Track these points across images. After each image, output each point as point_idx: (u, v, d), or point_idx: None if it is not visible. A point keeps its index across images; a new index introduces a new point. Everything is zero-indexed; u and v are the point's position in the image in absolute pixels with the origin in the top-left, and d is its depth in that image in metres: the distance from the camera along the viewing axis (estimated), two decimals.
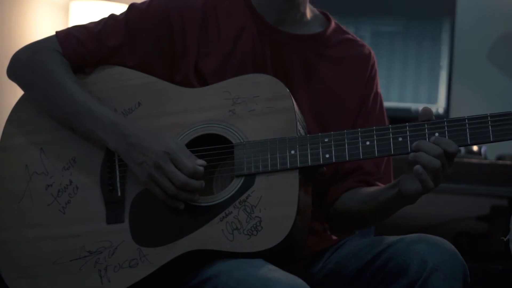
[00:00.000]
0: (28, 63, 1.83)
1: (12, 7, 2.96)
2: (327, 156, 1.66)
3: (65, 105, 1.78)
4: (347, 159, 1.66)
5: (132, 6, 1.85)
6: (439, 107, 2.98)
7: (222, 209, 1.66)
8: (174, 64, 1.82)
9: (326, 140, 1.67)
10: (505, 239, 1.78)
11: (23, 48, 1.87)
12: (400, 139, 1.63)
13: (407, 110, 2.97)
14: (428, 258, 1.60)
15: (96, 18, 1.87)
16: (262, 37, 1.84)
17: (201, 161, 1.68)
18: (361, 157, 1.65)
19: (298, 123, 1.69)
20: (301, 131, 1.71)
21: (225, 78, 1.77)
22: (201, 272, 1.64)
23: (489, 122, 1.60)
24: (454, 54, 3.00)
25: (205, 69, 1.81)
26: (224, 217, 1.65)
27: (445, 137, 1.61)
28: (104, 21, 1.85)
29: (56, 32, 1.85)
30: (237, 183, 1.67)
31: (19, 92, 1.87)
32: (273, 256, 1.61)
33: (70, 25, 2.68)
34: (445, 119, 1.62)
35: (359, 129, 1.66)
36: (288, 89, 1.72)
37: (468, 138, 1.61)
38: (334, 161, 1.66)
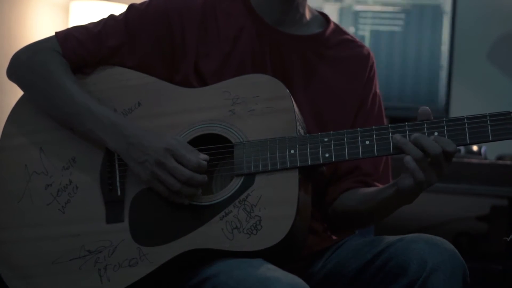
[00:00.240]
0: (28, 64, 1.83)
1: (12, 7, 2.96)
2: (327, 155, 1.66)
3: (64, 105, 1.78)
4: (347, 158, 1.66)
5: (131, 7, 1.86)
6: (439, 107, 2.98)
7: (222, 208, 1.66)
8: (173, 64, 1.82)
9: (325, 139, 1.67)
10: (508, 239, 1.78)
11: (23, 48, 1.87)
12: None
13: (407, 110, 2.97)
14: (428, 258, 1.60)
15: (96, 18, 1.88)
16: (261, 37, 1.84)
17: (204, 156, 1.68)
18: (361, 156, 1.65)
19: (297, 123, 1.69)
20: (301, 131, 1.71)
21: (225, 78, 1.77)
22: (201, 271, 1.65)
23: (488, 121, 1.60)
24: (454, 54, 3.00)
25: (204, 69, 1.81)
26: (224, 216, 1.65)
27: (444, 136, 1.61)
28: (103, 22, 1.85)
29: (56, 32, 1.85)
30: (237, 183, 1.68)
31: (19, 92, 1.87)
32: (272, 255, 1.61)
33: (70, 25, 2.68)
34: (444, 119, 1.62)
35: (358, 129, 1.67)
36: (288, 89, 1.72)
37: (467, 138, 1.61)
38: (333, 160, 1.66)
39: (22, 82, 1.85)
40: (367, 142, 1.65)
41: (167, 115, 1.76)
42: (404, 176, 1.63)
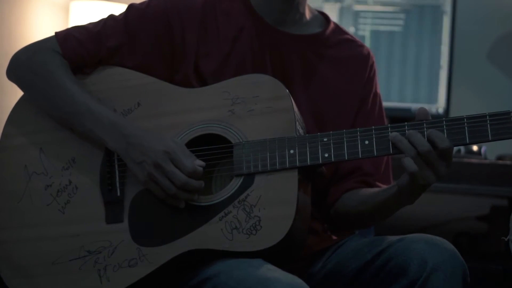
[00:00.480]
0: (28, 64, 1.83)
1: (12, 7, 2.96)
2: (326, 155, 1.66)
3: (64, 105, 1.78)
4: (346, 158, 1.66)
5: (131, 7, 1.86)
6: (439, 107, 2.98)
7: (221, 208, 1.66)
8: (173, 64, 1.82)
9: (325, 139, 1.67)
10: (506, 239, 1.78)
11: (22, 48, 1.87)
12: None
13: (407, 110, 2.97)
14: (428, 258, 1.60)
15: (96, 18, 1.88)
16: (261, 37, 1.84)
17: (200, 162, 1.68)
18: (360, 156, 1.65)
19: (297, 123, 1.69)
20: (300, 131, 1.71)
21: (224, 78, 1.77)
22: (200, 271, 1.64)
23: (488, 121, 1.60)
24: (454, 54, 3.00)
25: (204, 69, 1.81)
26: (223, 217, 1.65)
27: (445, 136, 1.61)
28: (103, 22, 1.85)
29: (56, 32, 1.85)
30: (236, 183, 1.67)
31: (19, 93, 1.87)
32: (272, 255, 1.61)
33: (70, 25, 2.68)
34: (444, 118, 1.62)
35: (358, 129, 1.66)
36: (287, 89, 1.72)
37: (467, 137, 1.61)
38: (333, 160, 1.66)
39: (22, 82, 1.85)
40: (367, 142, 1.65)
41: (167, 115, 1.76)
42: (403, 176, 1.63)
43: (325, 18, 1.94)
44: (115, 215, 1.73)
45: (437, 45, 2.99)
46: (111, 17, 1.86)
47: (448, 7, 3.00)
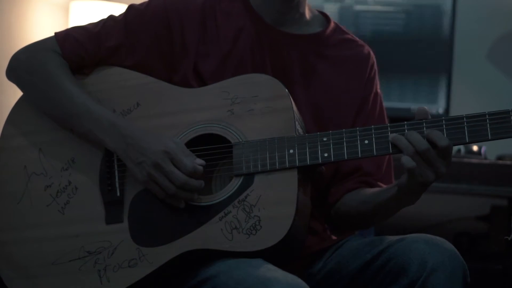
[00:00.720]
0: (27, 64, 1.83)
1: (12, 7, 2.96)
2: (326, 155, 1.66)
3: (63, 105, 1.78)
4: (346, 158, 1.66)
5: (131, 7, 1.85)
6: (439, 107, 2.98)
7: (221, 208, 1.66)
8: (173, 64, 1.82)
9: (324, 139, 1.67)
10: (509, 238, 1.78)
11: (22, 49, 1.87)
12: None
13: (407, 110, 2.97)
14: (428, 258, 1.60)
15: (96, 18, 1.88)
16: (260, 37, 1.84)
17: (200, 161, 1.68)
18: (360, 156, 1.65)
19: (296, 123, 1.69)
20: (300, 130, 1.71)
21: (224, 78, 1.77)
22: (200, 272, 1.64)
23: (487, 120, 1.60)
24: (454, 54, 3.00)
25: (203, 70, 1.81)
26: (223, 217, 1.65)
27: (444, 135, 1.61)
28: (103, 22, 1.85)
29: (55, 33, 1.85)
30: (236, 183, 1.67)
31: (18, 93, 1.87)
32: (272, 255, 1.61)
33: (70, 25, 2.69)
34: (443, 117, 1.62)
35: (357, 128, 1.66)
36: (287, 88, 1.72)
37: (467, 136, 1.60)
38: (332, 160, 1.66)
39: (21, 82, 1.85)
40: (366, 142, 1.65)
41: (166, 116, 1.76)
42: (403, 176, 1.63)
43: (326, 17, 1.94)
44: (115, 216, 1.73)
45: (437, 45, 2.99)
46: (111, 17, 1.86)
47: (448, 7, 3.00)
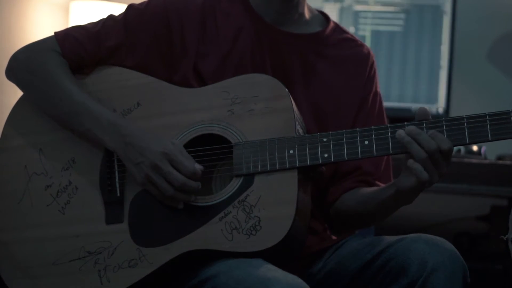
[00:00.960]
0: (27, 64, 1.83)
1: (12, 7, 2.96)
2: (326, 155, 1.66)
3: (63, 105, 1.78)
4: (346, 158, 1.66)
5: (130, 7, 1.85)
6: (439, 107, 2.98)
7: (221, 209, 1.66)
8: (172, 64, 1.82)
9: (324, 139, 1.67)
10: (505, 238, 1.78)
11: (21, 48, 1.87)
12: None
13: (407, 110, 2.97)
14: (428, 258, 1.60)
15: (96, 18, 1.88)
16: (260, 37, 1.84)
17: (199, 166, 1.68)
18: (360, 157, 1.65)
19: (296, 123, 1.69)
20: (300, 131, 1.71)
21: (224, 78, 1.77)
22: (200, 272, 1.64)
23: (488, 121, 1.60)
24: (454, 54, 3.00)
25: (203, 70, 1.81)
26: (223, 217, 1.65)
27: (444, 136, 1.61)
28: (102, 22, 1.85)
29: (55, 32, 1.85)
30: (236, 183, 1.67)
31: (19, 93, 1.87)
32: (272, 255, 1.61)
33: (70, 25, 2.68)
34: (443, 118, 1.62)
35: (357, 129, 1.66)
36: (287, 88, 1.72)
37: (467, 137, 1.61)
38: (332, 160, 1.66)
39: (21, 82, 1.85)
40: (366, 142, 1.65)
41: (166, 115, 1.76)
42: (404, 176, 1.63)
43: (325, 17, 1.94)
44: (115, 216, 1.73)
45: (437, 45, 2.99)
46: (111, 17, 1.86)
47: (448, 7, 3.00)
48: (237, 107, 1.72)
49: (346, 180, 1.85)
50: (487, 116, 1.60)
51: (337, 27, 1.94)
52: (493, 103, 3.11)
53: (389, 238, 1.70)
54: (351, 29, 3.01)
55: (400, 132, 1.62)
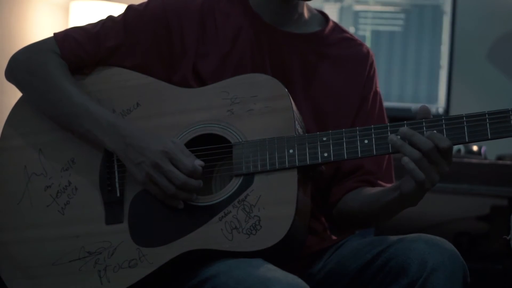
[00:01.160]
0: (26, 65, 1.83)
1: (12, 7, 2.96)
2: (326, 155, 1.66)
3: (63, 106, 1.78)
4: (346, 157, 1.66)
5: (129, 8, 1.85)
6: (439, 107, 2.98)
7: (221, 208, 1.66)
8: (172, 64, 1.82)
9: (324, 139, 1.67)
10: (508, 238, 1.78)
11: (21, 49, 1.87)
12: (399, 137, 1.63)
13: (407, 110, 2.97)
14: (428, 258, 1.60)
15: (96, 18, 1.88)
16: (260, 36, 1.84)
17: (199, 161, 1.68)
18: (360, 156, 1.65)
19: (296, 123, 1.69)
20: (300, 130, 1.71)
21: (223, 79, 1.77)
22: (200, 272, 1.64)
23: (487, 119, 1.60)
24: (454, 54, 3.00)
25: (203, 70, 1.81)
26: (223, 217, 1.65)
27: (443, 135, 1.61)
28: (102, 23, 1.85)
29: (54, 33, 1.85)
30: (236, 183, 1.67)
31: (18, 93, 1.87)
32: (272, 255, 1.61)
33: (70, 25, 2.68)
34: (443, 117, 1.62)
35: (357, 128, 1.66)
36: (287, 88, 1.72)
37: (466, 136, 1.60)
38: (332, 159, 1.66)
39: (20, 83, 1.85)
40: (366, 141, 1.65)
41: (166, 116, 1.76)
42: (406, 179, 1.63)
43: (324, 17, 1.94)
44: (114, 216, 1.73)
45: (437, 45, 2.99)
46: (110, 18, 1.86)
47: (448, 7, 3.00)
48: (237, 107, 1.72)
49: (348, 180, 1.85)
50: (487, 115, 1.60)
51: (336, 27, 1.94)
52: (493, 103, 3.09)
53: (389, 238, 1.70)
54: (351, 29, 3.01)
55: (392, 137, 1.61)
